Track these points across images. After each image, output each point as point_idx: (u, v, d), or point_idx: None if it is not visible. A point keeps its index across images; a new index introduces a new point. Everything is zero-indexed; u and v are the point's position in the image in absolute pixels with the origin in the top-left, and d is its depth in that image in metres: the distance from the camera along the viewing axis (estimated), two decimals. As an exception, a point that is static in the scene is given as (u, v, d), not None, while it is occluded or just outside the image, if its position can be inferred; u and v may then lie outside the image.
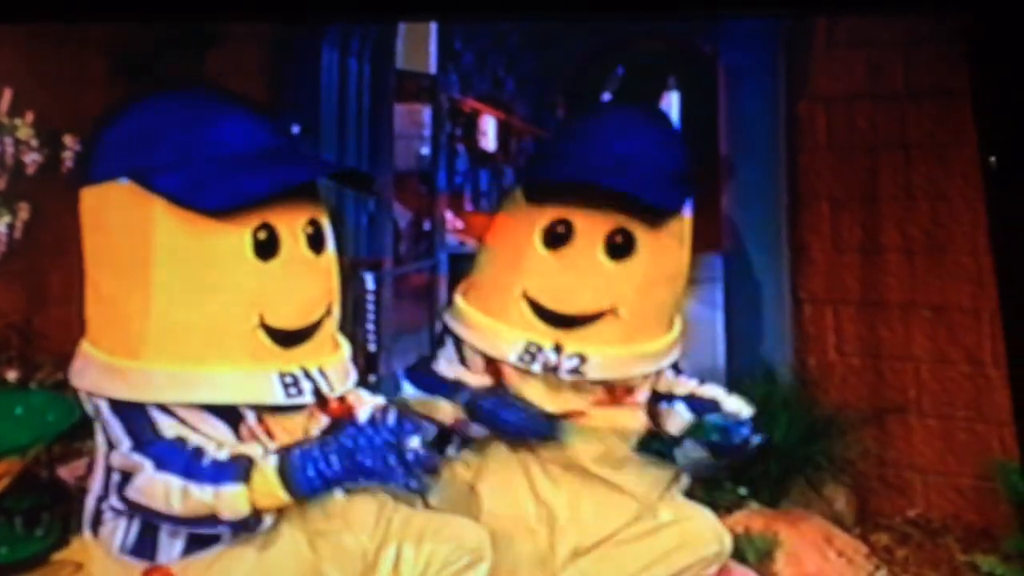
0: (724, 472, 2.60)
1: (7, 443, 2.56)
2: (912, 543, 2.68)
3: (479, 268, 2.45)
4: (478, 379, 2.36)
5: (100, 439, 2.03)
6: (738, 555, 2.48)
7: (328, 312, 2.10)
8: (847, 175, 2.91)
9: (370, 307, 2.93)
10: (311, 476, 1.88)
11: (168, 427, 1.94)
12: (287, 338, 2.01)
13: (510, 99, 3.28)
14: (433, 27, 3.18)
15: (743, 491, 2.65)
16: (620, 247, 2.30)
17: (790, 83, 3.00)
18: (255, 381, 1.97)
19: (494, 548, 2.23)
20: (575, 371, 2.30)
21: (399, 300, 3.17)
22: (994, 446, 2.64)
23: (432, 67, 3.20)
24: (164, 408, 1.95)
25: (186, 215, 1.94)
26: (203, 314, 1.96)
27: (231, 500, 1.87)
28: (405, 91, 3.22)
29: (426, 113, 3.27)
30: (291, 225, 2.02)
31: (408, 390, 2.40)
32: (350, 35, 3.12)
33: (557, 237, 2.30)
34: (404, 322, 3.15)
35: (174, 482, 1.88)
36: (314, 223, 2.07)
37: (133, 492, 1.93)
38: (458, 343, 2.42)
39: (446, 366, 2.43)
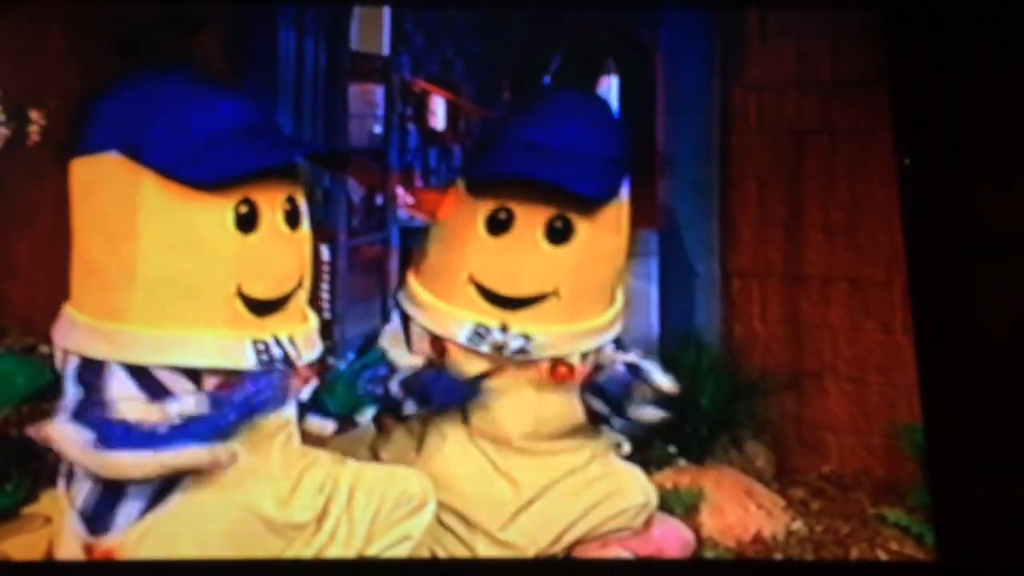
0: (655, 433, 2.78)
1: (-23, 404, 2.67)
2: (826, 496, 2.84)
3: (428, 248, 2.57)
4: (416, 359, 2.50)
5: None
6: (667, 508, 2.66)
7: (300, 284, 2.24)
8: (775, 158, 3.08)
9: (325, 277, 3.04)
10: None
11: (117, 384, 2.10)
12: (261, 307, 2.16)
13: (459, 81, 3.40)
14: (386, 10, 3.28)
15: (672, 449, 2.81)
16: (559, 232, 2.44)
17: (724, 71, 3.15)
18: (230, 346, 2.11)
19: (451, 495, 2.39)
20: (521, 350, 2.45)
21: (352, 271, 3.29)
22: (901, 408, 2.81)
23: (385, 48, 3.30)
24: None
25: (172, 187, 2.08)
26: (184, 281, 2.10)
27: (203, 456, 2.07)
28: (358, 71, 3.33)
29: (379, 93, 3.37)
30: (271, 201, 2.16)
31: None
32: (305, 16, 3.22)
33: (499, 224, 2.44)
34: (356, 292, 3.26)
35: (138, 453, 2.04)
36: (291, 200, 2.21)
37: (81, 459, 2.09)
38: (406, 321, 2.56)
39: (388, 342, 2.56)
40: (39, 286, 3.00)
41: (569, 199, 2.40)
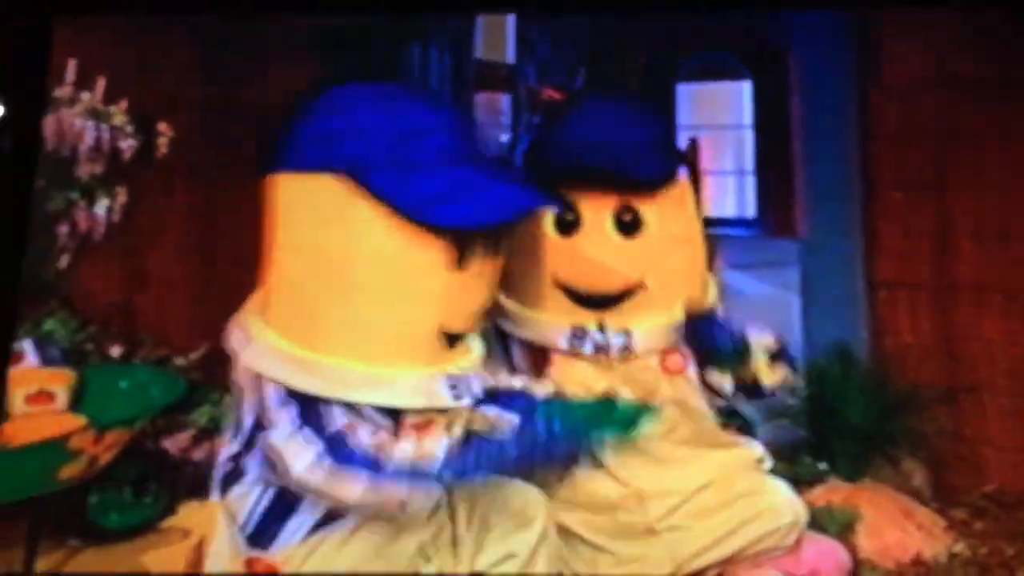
0: (804, 448, 2.69)
1: (114, 415, 2.67)
2: (988, 516, 2.72)
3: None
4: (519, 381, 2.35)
5: (245, 407, 2.07)
6: (820, 527, 2.54)
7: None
8: (918, 163, 2.98)
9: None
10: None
11: (339, 417, 1.99)
12: (452, 340, 2.09)
13: (584, 88, 3.36)
14: (510, 18, 3.25)
15: (823, 466, 2.72)
16: (628, 223, 2.37)
17: (861, 73, 3.06)
18: (428, 384, 2.04)
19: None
20: (625, 347, 2.37)
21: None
22: (1063, 422, 2.71)
23: (510, 56, 3.27)
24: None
25: (395, 219, 1.98)
26: (398, 318, 2.02)
27: (425, 501, 2.01)
28: (484, 80, 3.30)
29: (505, 101, 3.34)
30: (474, 241, 2.06)
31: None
32: (431, 26, 3.21)
33: (566, 223, 2.37)
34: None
35: (358, 478, 1.95)
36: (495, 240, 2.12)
37: (304, 476, 1.97)
38: (504, 340, 2.48)
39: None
40: (171, 298, 3.01)
41: (628, 188, 2.33)
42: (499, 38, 3.27)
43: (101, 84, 3.11)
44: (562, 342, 2.37)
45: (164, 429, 2.79)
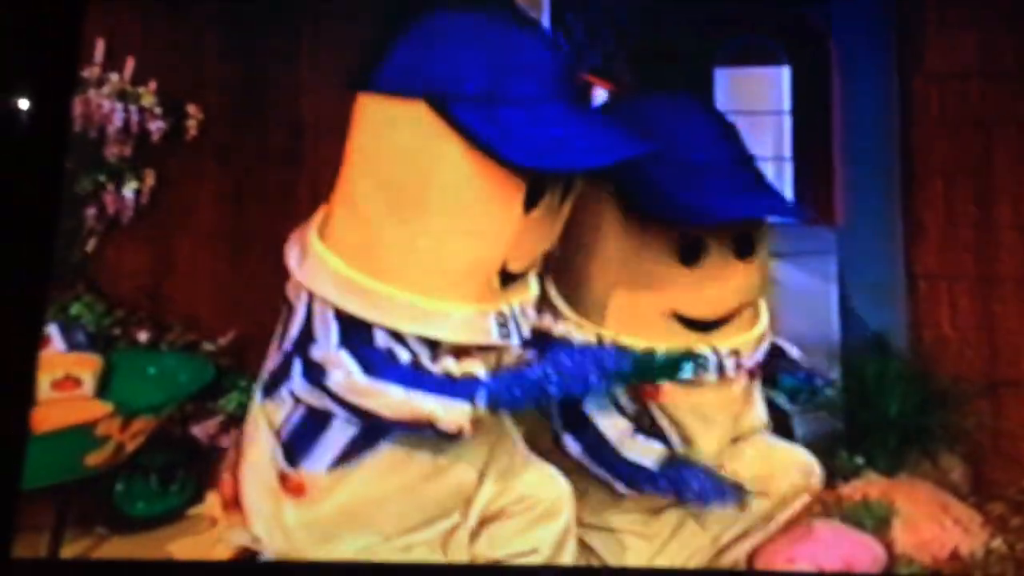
0: (841, 441, 2.65)
1: (141, 402, 2.66)
2: None
3: (593, 281, 2.39)
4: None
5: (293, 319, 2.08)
6: (856, 521, 2.53)
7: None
8: (961, 151, 2.92)
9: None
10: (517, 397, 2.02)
11: (382, 339, 2.00)
12: (509, 279, 2.08)
13: (621, 73, 3.29)
14: (545, 1, 3.19)
15: (860, 460, 2.67)
16: (747, 246, 2.37)
17: (902, 61, 3.00)
18: (478, 321, 2.02)
19: None
20: (738, 366, 2.36)
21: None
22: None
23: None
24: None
25: (476, 155, 1.95)
26: (461, 253, 2.00)
27: (458, 414, 1.96)
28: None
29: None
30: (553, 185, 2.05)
31: None
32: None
33: (692, 251, 2.32)
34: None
35: (393, 391, 1.96)
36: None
37: (341, 389, 1.99)
38: None
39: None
40: (200, 283, 2.98)
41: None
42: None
43: (130, 64, 3.09)
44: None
45: (192, 415, 2.76)
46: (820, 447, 2.56)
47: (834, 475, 2.58)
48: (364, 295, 2.00)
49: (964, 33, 2.98)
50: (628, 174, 2.19)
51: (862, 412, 2.69)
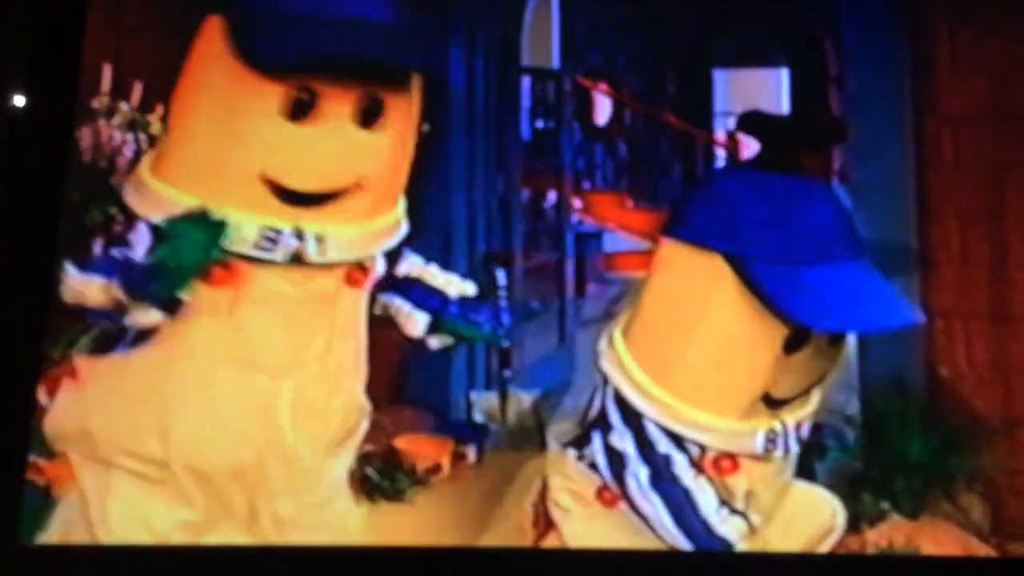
0: (864, 484, 2.67)
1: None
2: None
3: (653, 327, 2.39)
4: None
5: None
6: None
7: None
8: (974, 192, 2.96)
9: (502, 304, 2.94)
10: None
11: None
12: (292, 197, 2.32)
13: (621, 75, 3.31)
14: (556, 18, 3.18)
15: (885, 505, 2.69)
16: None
17: (915, 102, 3.03)
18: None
19: None
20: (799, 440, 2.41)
21: (527, 281, 3.30)
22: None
23: (555, 62, 3.21)
24: None
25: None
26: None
27: None
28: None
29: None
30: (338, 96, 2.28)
31: None
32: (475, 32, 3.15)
33: (794, 343, 2.28)
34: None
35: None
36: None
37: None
38: (634, 425, 2.37)
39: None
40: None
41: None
42: (544, 40, 3.20)
43: (137, 90, 3.02)
44: (758, 446, 2.34)
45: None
46: (843, 490, 2.60)
47: (859, 518, 2.60)
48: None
49: (976, 75, 3.02)
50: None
51: (882, 453, 2.72)
